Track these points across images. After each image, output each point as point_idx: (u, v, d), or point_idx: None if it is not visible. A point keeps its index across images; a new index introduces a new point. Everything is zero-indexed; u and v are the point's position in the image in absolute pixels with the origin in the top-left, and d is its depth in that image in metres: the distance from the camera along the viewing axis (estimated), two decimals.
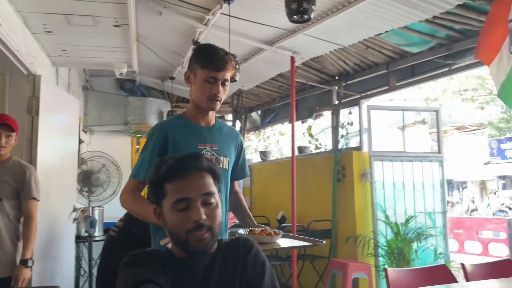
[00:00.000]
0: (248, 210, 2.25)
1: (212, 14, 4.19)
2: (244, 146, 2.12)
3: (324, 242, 2.13)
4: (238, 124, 8.26)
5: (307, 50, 5.08)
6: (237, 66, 3.38)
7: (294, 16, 2.56)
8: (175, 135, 1.86)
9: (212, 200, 1.27)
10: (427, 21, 4.16)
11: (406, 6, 3.64)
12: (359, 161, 5.56)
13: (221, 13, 4.06)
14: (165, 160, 1.29)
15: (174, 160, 1.28)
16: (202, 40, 4.83)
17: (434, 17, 3.95)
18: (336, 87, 6.45)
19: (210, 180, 1.29)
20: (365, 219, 5.42)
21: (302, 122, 7.46)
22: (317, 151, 7.16)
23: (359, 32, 4.39)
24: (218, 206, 1.29)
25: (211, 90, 1.83)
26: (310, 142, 7.28)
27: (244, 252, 1.32)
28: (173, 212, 1.24)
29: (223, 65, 1.85)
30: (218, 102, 1.87)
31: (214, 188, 1.29)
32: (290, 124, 5.37)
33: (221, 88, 1.85)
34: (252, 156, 9.07)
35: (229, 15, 3.94)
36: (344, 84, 6.32)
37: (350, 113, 6.40)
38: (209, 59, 1.84)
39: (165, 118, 6.71)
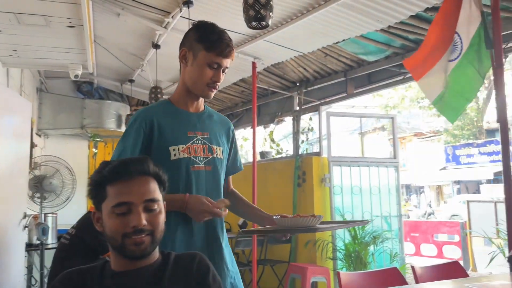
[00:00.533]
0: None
1: (172, 17, 4.15)
2: (235, 135, 1.89)
3: (369, 221, 2.10)
4: None
5: (268, 56, 5.12)
6: None
7: (252, 23, 2.57)
8: (161, 122, 1.62)
9: (156, 206, 1.21)
10: (383, 30, 4.29)
11: (362, 15, 3.74)
12: (319, 166, 5.64)
13: (181, 16, 4.03)
14: (109, 162, 1.24)
15: (118, 162, 1.23)
16: (162, 43, 4.78)
17: (389, 27, 4.07)
18: (297, 93, 6.53)
19: (155, 186, 1.24)
20: None
21: (264, 128, 7.49)
22: (279, 156, 7.21)
23: (318, 40, 4.47)
24: (162, 213, 1.23)
25: (212, 77, 1.62)
26: (271, 147, 7.32)
27: (201, 271, 1.25)
28: (112, 216, 1.18)
29: (230, 51, 1.64)
30: (215, 90, 1.68)
31: (158, 195, 1.24)
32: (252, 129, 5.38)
33: (221, 76, 1.66)
34: None
35: (188, 19, 3.91)
36: (304, 90, 6.41)
37: (310, 119, 6.49)
38: (216, 43, 1.61)
39: (123, 122, 6.57)
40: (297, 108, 6.59)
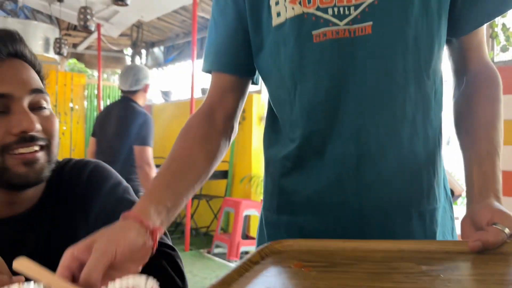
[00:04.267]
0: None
1: None
2: None
3: None
4: (137, 60, 7.78)
5: None
6: None
7: None
8: None
9: (44, 104, 0.80)
10: None
11: None
12: (259, 105, 5.59)
13: None
14: None
15: None
16: None
17: None
18: None
19: (34, 74, 0.82)
20: (261, 160, 5.55)
21: None
22: None
23: None
24: (54, 117, 0.82)
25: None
26: None
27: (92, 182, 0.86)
28: None
29: None
30: None
31: (43, 87, 0.82)
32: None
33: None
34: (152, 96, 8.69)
35: None
36: None
37: None
38: None
39: (51, 46, 6.04)
40: None
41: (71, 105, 7.45)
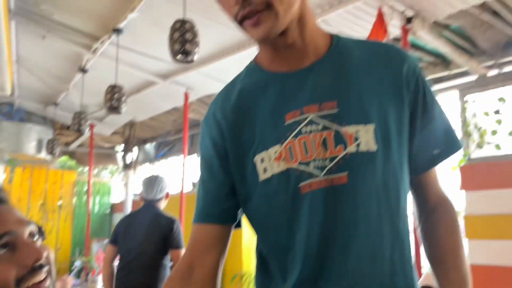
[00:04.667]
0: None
1: (101, 43, 4.04)
2: (425, 76, 0.89)
3: None
4: (129, 156, 7.93)
5: (201, 88, 5.12)
6: None
7: (178, 56, 2.56)
8: (234, 112, 0.88)
9: (37, 234, 0.86)
10: None
11: None
12: None
13: (110, 43, 3.94)
14: None
15: None
16: (90, 67, 4.62)
17: None
18: None
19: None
20: (253, 257, 5.44)
21: (197, 156, 7.41)
22: None
23: None
24: (47, 245, 0.87)
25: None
26: None
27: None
28: None
29: None
30: (263, 14, 0.76)
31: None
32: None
33: None
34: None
35: (117, 46, 3.83)
36: None
37: None
38: None
39: (44, 146, 6.19)
40: None
41: (59, 202, 7.41)
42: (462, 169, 3.44)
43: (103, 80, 4.43)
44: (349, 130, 0.79)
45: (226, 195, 0.89)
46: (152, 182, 2.95)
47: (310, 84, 0.83)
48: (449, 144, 0.90)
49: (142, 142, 8.23)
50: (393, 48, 0.89)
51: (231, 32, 3.63)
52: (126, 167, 7.69)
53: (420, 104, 0.86)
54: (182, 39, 2.52)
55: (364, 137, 0.79)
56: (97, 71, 4.64)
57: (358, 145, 0.79)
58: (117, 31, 3.66)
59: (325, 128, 0.80)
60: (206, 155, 0.91)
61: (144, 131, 7.79)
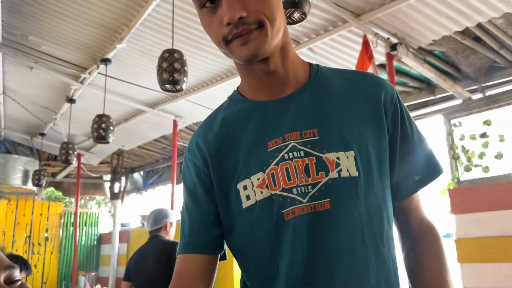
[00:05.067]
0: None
1: (89, 73, 4.04)
2: (403, 105, 0.90)
3: None
4: (117, 185, 7.82)
5: (190, 115, 5.13)
6: None
7: (167, 85, 2.57)
8: (218, 142, 0.88)
9: (17, 277, 0.79)
10: None
11: None
12: None
13: (98, 72, 3.94)
14: None
15: None
16: (78, 97, 4.61)
17: None
18: None
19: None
20: None
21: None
22: None
23: None
24: (27, 285, 0.79)
25: (217, 19, 0.77)
26: None
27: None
28: None
29: None
30: (253, 33, 0.76)
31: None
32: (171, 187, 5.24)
33: (235, 1, 0.75)
34: (130, 221, 8.57)
35: (105, 75, 3.83)
36: None
37: None
38: None
39: (30, 178, 6.09)
40: None
41: (46, 234, 7.24)
42: (451, 192, 3.46)
43: (91, 110, 4.42)
44: (330, 156, 0.80)
45: (212, 224, 0.87)
46: (149, 215, 3.10)
47: (292, 113, 0.83)
48: (430, 170, 0.90)
49: (130, 171, 8.15)
50: (371, 76, 0.90)
51: (219, 60, 3.67)
52: (114, 196, 7.58)
53: (400, 131, 0.87)
54: (171, 68, 2.53)
55: (345, 163, 0.80)
56: (85, 100, 4.63)
57: (339, 171, 0.79)
58: (106, 61, 3.67)
59: (307, 154, 0.80)
60: (190, 184, 0.90)
61: (132, 159, 7.73)
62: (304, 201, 0.78)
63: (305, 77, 0.87)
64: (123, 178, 8.00)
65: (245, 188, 0.82)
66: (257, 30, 0.75)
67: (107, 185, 8.46)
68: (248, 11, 0.74)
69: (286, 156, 0.80)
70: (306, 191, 0.79)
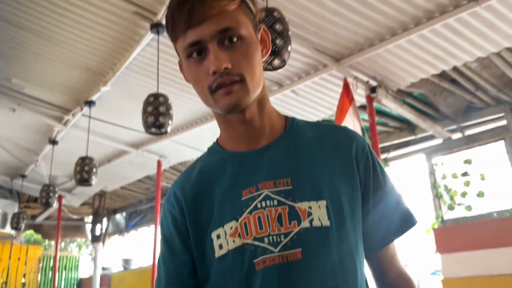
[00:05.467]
0: None
1: (72, 115, 4.03)
2: (375, 157, 0.93)
3: None
4: (98, 227, 7.65)
5: (174, 155, 5.11)
6: None
7: (152, 129, 2.57)
8: (195, 191, 0.89)
9: None
10: None
11: None
12: None
13: (82, 114, 3.93)
14: None
15: None
16: (60, 139, 4.57)
17: None
18: None
19: None
20: None
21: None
22: None
23: None
24: None
25: (203, 69, 0.81)
26: None
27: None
28: None
29: (200, 8, 0.79)
30: (235, 86, 0.80)
31: None
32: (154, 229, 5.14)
33: (221, 54, 0.79)
34: (111, 264, 8.32)
35: (89, 117, 3.82)
36: None
37: None
38: (173, 17, 0.82)
39: (9, 221, 5.91)
40: None
41: (23, 280, 6.96)
42: (436, 232, 3.46)
43: (74, 151, 4.37)
44: (302, 206, 0.81)
45: (188, 275, 0.87)
46: None
47: (266, 163, 0.85)
48: (404, 221, 0.91)
49: (112, 212, 8.00)
50: (343, 129, 0.94)
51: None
52: (95, 239, 7.39)
53: (372, 182, 0.88)
54: (156, 112, 2.55)
55: (317, 213, 0.80)
56: (67, 142, 4.59)
57: (311, 220, 0.80)
58: (90, 103, 3.68)
59: (280, 203, 0.81)
60: (167, 233, 0.90)
61: (114, 200, 7.60)
62: (276, 250, 0.79)
63: (281, 128, 0.90)
64: (105, 220, 7.84)
65: (218, 237, 0.83)
66: (239, 84, 0.80)
67: (88, 227, 8.26)
68: (233, 64, 0.78)
69: (259, 205, 0.81)
70: (278, 240, 0.79)
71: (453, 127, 4.03)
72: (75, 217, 7.49)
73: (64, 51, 3.19)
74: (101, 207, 7.51)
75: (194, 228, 0.86)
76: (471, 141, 3.99)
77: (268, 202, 0.81)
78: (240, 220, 0.81)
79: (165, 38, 2.89)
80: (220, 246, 0.82)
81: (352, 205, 0.84)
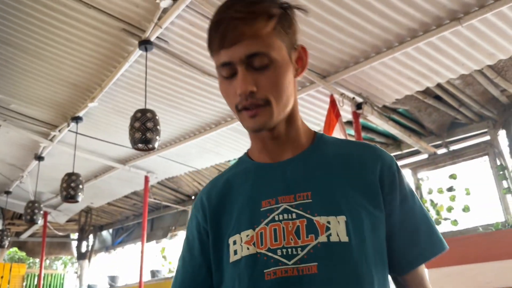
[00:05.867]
0: None
1: (59, 131, 4.01)
2: (403, 176, 0.91)
3: None
4: (84, 244, 7.53)
5: (162, 171, 5.09)
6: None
7: (139, 144, 2.57)
8: (219, 200, 0.93)
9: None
10: None
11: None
12: None
13: (69, 130, 3.91)
14: None
15: None
16: (46, 155, 4.52)
17: None
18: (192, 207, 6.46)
19: None
20: None
21: (157, 243, 7.13)
22: (170, 275, 6.79)
23: (211, 158, 4.60)
24: None
25: (232, 88, 0.84)
26: (163, 265, 6.90)
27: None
28: None
29: (233, 32, 0.81)
30: (260, 109, 0.82)
31: None
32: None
33: (248, 77, 0.81)
34: (97, 282, 8.16)
35: (76, 133, 3.80)
36: None
37: None
38: (212, 31, 0.84)
39: None
40: None
41: None
42: None
43: (60, 167, 4.33)
44: (321, 220, 0.81)
45: (204, 278, 0.90)
46: None
47: (288, 176, 0.87)
48: (433, 245, 0.88)
49: (98, 229, 7.89)
50: (371, 147, 0.92)
51: (191, 117, 3.72)
52: (81, 256, 7.27)
53: (398, 202, 0.87)
54: (143, 128, 2.55)
55: (336, 228, 0.80)
56: (54, 158, 4.55)
57: (329, 235, 0.80)
58: (77, 119, 3.66)
59: (298, 216, 0.82)
60: (190, 236, 0.95)
61: (101, 217, 7.51)
62: (290, 263, 0.79)
63: (307, 144, 0.92)
64: (91, 236, 7.72)
65: (234, 242, 0.85)
66: (264, 107, 0.82)
67: (74, 244, 8.12)
68: (258, 87, 0.81)
69: (276, 218, 0.83)
70: (294, 253, 0.80)
71: (438, 142, 4.09)
72: (60, 233, 7.36)
73: (51, 67, 3.19)
74: (87, 223, 7.40)
75: (213, 233, 0.89)
76: (456, 156, 4.05)
77: (285, 215, 0.82)
78: (256, 229, 0.83)
79: (153, 55, 2.92)
80: (235, 252, 0.84)
81: (373, 224, 0.83)
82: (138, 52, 2.85)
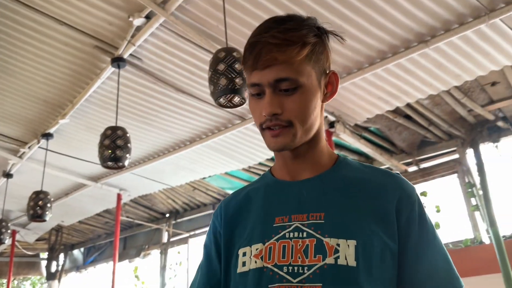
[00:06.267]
0: None
1: (29, 147, 3.91)
2: (423, 208, 0.89)
3: None
4: (54, 264, 7.29)
5: (135, 188, 5.01)
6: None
7: (108, 162, 2.53)
8: (237, 211, 0.97)
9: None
10: (244, 169, 4.56)
11: (225, 156, 3.98)
12: None
13: (39, 147, 3.82)
14: None
15: None
16: (15, 172, 4.40)
17: (250, 166, 4.37)
18: (166, 225, 6.36)
19: None
20: None
21: (130, 262, 6.97)
22: None
23: (185, 175, 4.57)
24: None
25: (259, 108, 0.87)
26: (135, 285, 6.75)
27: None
28: None
29: (266, 56, 0.83)
30: (283, 130, 0.85)
31: None
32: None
33: (275, 99, 0.84)
34: None
35: (46, 149, 3.72)
36: (173, 222, 6.29)
37: (179, 252, 6.26)
38: (246, 53, 0.88)
39: None
40: (166, 240, 6.35)
41: None
42: None
43: (29, 185, 4.21)
44: (330, 242, 0.81)
45: (218, 282, 0.94)
46: None
47: (304, 195, 0.88)
48: (447, 282, 0.85)
49: (69, 247, 7.67)
50: (392, 176, 0.91)
51: (165, 134, 3.69)
52: (50, 276, 7.03)
53: (414, 234, 0.85)
54: (113, 145, 2.52)
55: (344, 251, 0.80)
56: (23, 175, 4.43)
57: (337, 258, 0.80)
58: (47, 135, 3.59)
59: (309, 235, 0.83)
60: (207, 241, 1.00)
61: (72, 235, 7.31)
62: (294, 281, 0.80)
63: (328, 166, 0.93)
64: (61, 256, 7.49)
65: (244, 254, 0.88)
66: (287, 129, 0.85)
67: (43, 263, 7.86)
68: (283, 109, 0.84)
69: (287, 235, 0.85)
70: (300, 271, 0.80)
71: (409, 160, 4.17)
72: (29, 253, 7.12)
73: (21, 83, 3.12)
74: (57, 242, 7.19)
75: (226, 242, 0.93)
76: (426, 174, 4.14)
77: (296, 234, 0.84)
78: (266, 244, 0.85)
79: (126, 72, 2.90)
80: (244, 263, 0.87)
81: (384, 252, 0.82)
82: (110, 69, 2.83)
